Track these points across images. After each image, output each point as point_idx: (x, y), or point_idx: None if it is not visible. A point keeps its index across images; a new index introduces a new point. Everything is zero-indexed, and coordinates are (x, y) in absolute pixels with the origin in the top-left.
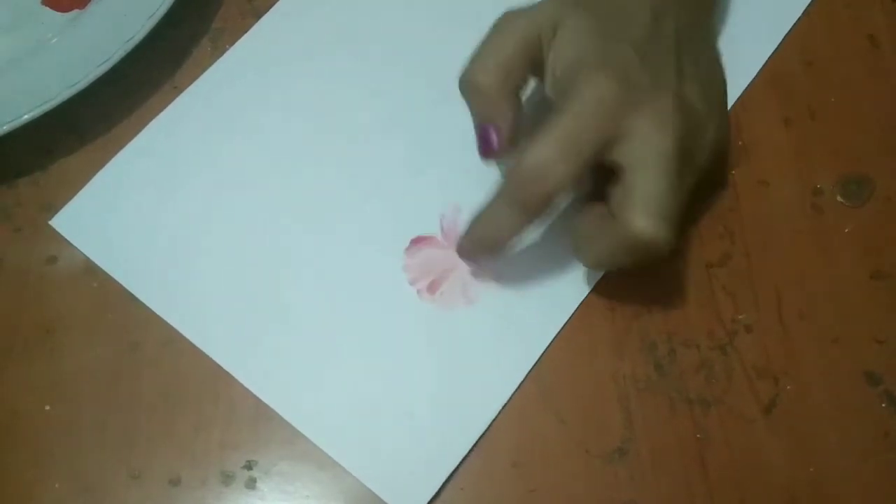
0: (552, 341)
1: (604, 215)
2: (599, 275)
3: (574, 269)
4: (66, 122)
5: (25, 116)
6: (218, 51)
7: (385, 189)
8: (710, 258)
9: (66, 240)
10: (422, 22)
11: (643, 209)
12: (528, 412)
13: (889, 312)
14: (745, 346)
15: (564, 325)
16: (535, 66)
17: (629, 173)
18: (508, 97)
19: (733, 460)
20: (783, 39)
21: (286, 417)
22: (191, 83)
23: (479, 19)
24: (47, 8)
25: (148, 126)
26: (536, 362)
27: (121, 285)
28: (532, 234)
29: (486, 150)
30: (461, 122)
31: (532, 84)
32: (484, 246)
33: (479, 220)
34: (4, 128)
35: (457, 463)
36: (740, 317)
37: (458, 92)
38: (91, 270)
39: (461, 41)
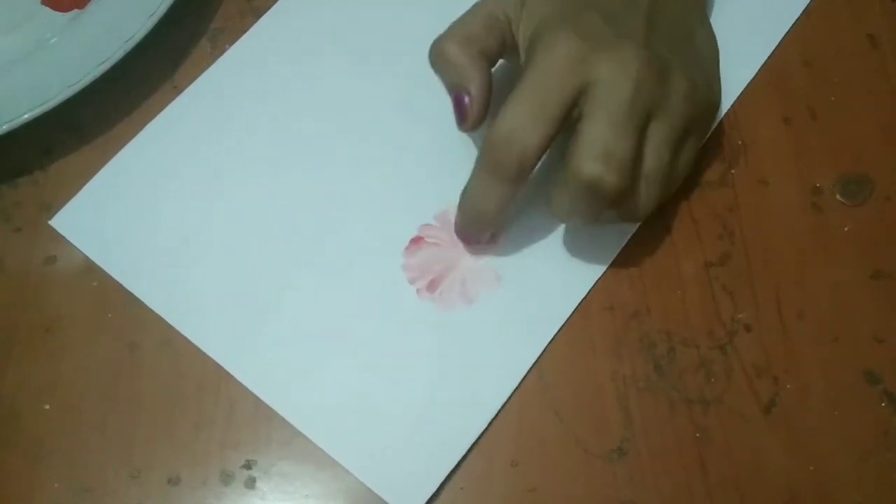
0: (552, 340)
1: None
2: (599, 274)
3: (573, 268)
4: (66, 121)
5: (25, 116)
6: (217, 51)
7: (384, 189)
8: (709, 257)
9: (65, 239)
10: (421, 21)
11: (585, 152)
12: (528, 411)
13: (889, 312)
14: (745, 345)
15: (564, 324)
16: (504, 42)
17: (582, 120)
18: (475, 63)
19: (733, 460)
20: (783, 39)
21: (286, 417)
22: (190, 83)
23: None
24: (47, 8)
25: (147, 126)
26: (536, 361)
27: (120, 285)
28: (532, 234)
29: (461, 117)
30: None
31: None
32: (476, 221)
33: (465, 196)
34: (4, 127)
35: (456, 462)
36: (740, 316)
37: None
38: (90, 270)
39: None
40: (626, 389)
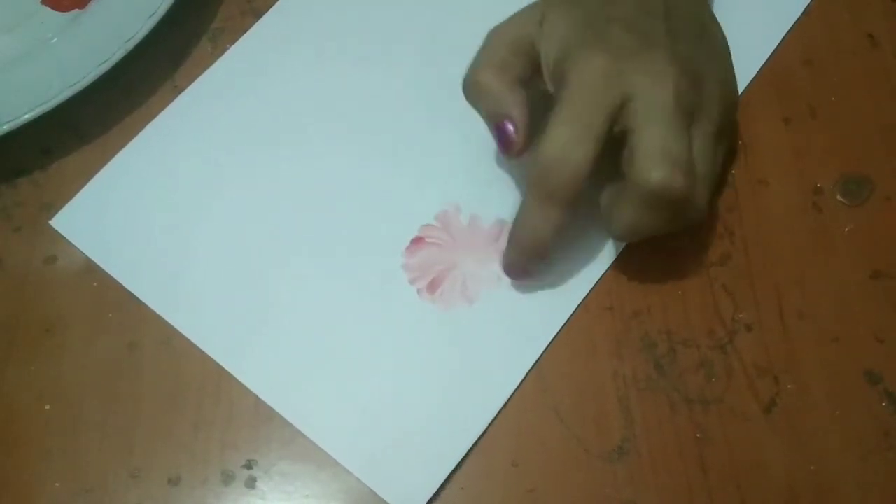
0: (552, 340)
1: (622, 183)
2: (599, 274)
3: (574, 268)
4: (66, 121)
5: (26, 116)
6: (218, 50)
7: (385, 188)
8: (710, 257)
9: (65, 239)
10: (422, 21)
11: (649, 160)
12: (528, 411)
13: (889, 311)
14: (745, 345)
15: (564, 324)
16: (533, 64)
17: (634, 133)
18: (513, 89)
19: (733, 459)
20: (783, 39)
21: (286, 417)
22: (191, 83)
23: (478, 18)
24: (47, 8)
25: (148, 126)
26: (536, 361)
27: (120, 285)
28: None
29: (507, 144)
30: (462, 122)
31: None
32: (529, 252)
33: (516, 227)
34: (4, 127)
35: (457, 462)
36: (740, 316)
37: (459, 91)
38: (91, 270)
39: (461, 41)
40: (627, 389)
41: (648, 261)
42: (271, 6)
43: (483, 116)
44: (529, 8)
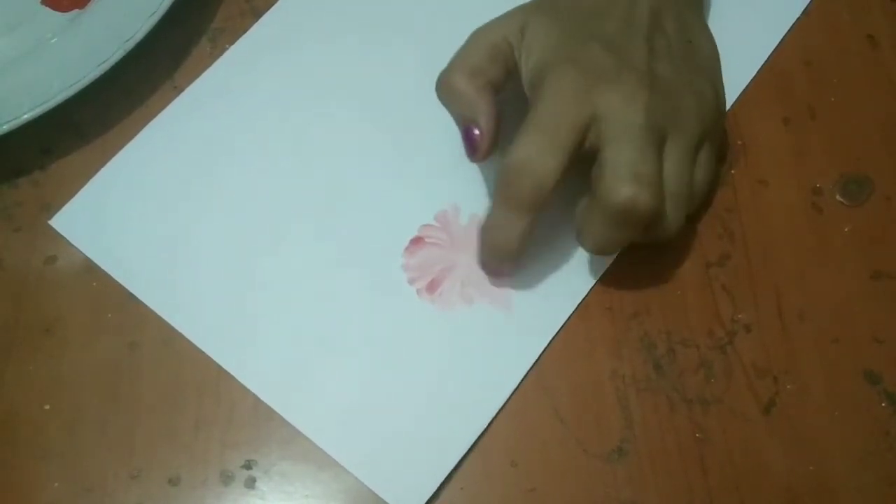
0: (551, 341)
1: (592, 199)
2: (598, 274)
3: (573, 268)
4: (66, 121)
5: (25, 116)
6: (217, 51)
7: (384, 189)
8: (709, 258)
9: (65, 239)
10: (422, 21)
11: (616, 177)
12: (528, 412)
13: (889, 312)
14: (745, 345)
15: (563, 324)
16: (508, 70)
17: (603, 150)
18: (482, 95)
19: (733, 460)
20: (783, 39)
21: (286, 417)
22: (190, 83)
23: (478, 19)
24: (47, 8)
25: (147, 126)
26: (535, 362)
27: (120, 285)
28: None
29: (472, 149)
30: None
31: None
32: (498, 255)
33: (484, 231)
34: (4, 127)
35: (456, 462)
36: (740, 316)
37: None
38: (90, 270)
39: (461, 41)
40: (626, 389)
41: (648, 261)
42: (271, 6)
43: (453, 117)
44: (513, 12)
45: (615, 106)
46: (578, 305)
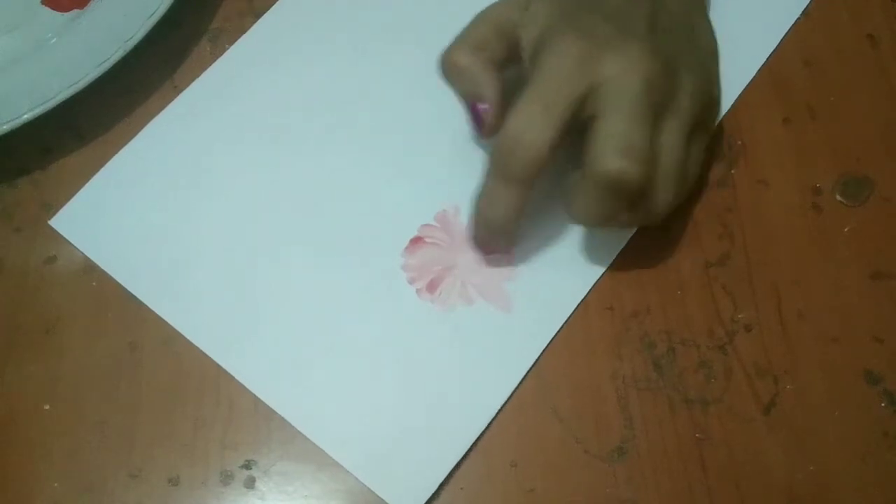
0: (551, 340)
1: (582, 168)
2: (598, 274)
3: (573, 268)
4: (66, 121)
5: (25, 116)
6: (217, 50)
7: (384, 188)
8: (709, 257)
9: (65, 239)
10: (422, 21)
11: (607, 147)
12: (528, 411)
13: (888, 312)
14: (745, 345)
15: (563, 324)
16: (511, 48)
17: (598, 119)
18: (487, 70)
19: (733, 460)
20: (782, 39)
21: (285, 417)
22: (190, 83)
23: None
24: (47, 8)
25: (147, 126)
26: (535, 361)
27: (120, 285)
28: (533, 234)
29: (479, 124)
30: (461, 122)
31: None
32: (490, 227)
33: (479, 204)
34: (4, 127)
35: (456, 462)
36: (740, 316)
37: None
38: (90, 270)
39: None
40: (626, 389)
41: (648, 260)
42: (270, 6)
43: (458, 95)
44: None
45: (615, 73)
46: (578, 305)
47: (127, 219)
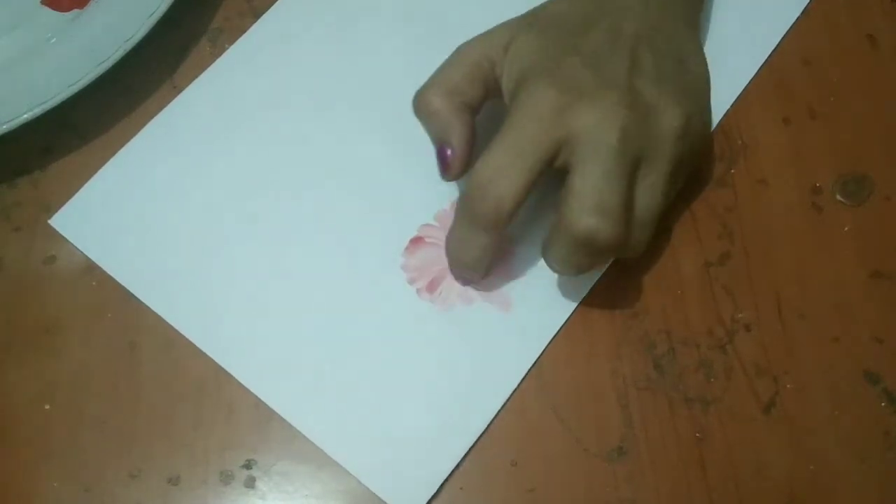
0: (551, 340)
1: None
2: (599, 274)
3: None
4: (66, 121)
5: (25, 116)
6: (217, 50)
7: (383, 189)
8: (709, 257)
9: (65, 239)
10: (422, 21)
11: (578, 206)
12: (528, 411)
13: (889, 311)
14: (745, 345)
15: (564, 323)
16: (488, 89)
17: (572, 173)
18: (458, 115)
19: (732, 459)
20: (782, 39)
21: (285, 417)
22: (190, 83)
23: (479, 19)
24: (47, 8)
25: (147, 126)
26: (535, 361)
27: (120, 285)
28: (532, 234)
29: (444, 168)
30: None
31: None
32: (463, 268)
33: (449, 244)
34: (4, 127)
35: (456, 462)
36: (740, 316)
37: None
38: (90, 270)
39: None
40: (626, 389)
41: (648, 260)
42: (270, 6)
43: (428, 133)
44: (500, 28)
45: (589, 125)
46: (578, 305)
47: (127, 218)
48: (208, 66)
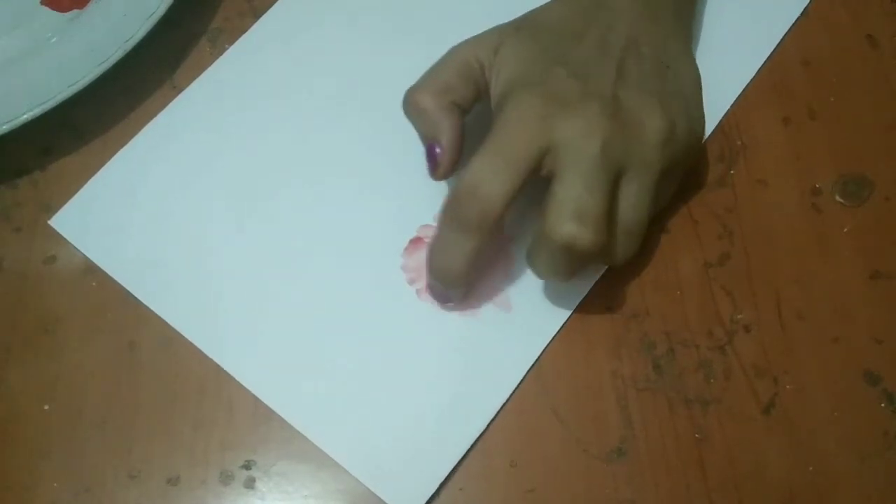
0: (551, 341)
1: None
2: (598, 275)
3: None
4: (66, 121)
5: (25, 116)
6: (217, 51)
7: (383, 190)
8: (708, 258)
9: (65, 239)
10: (422, 20)
11: (558, 213)
12: (527, 412)
13: (888, 312)
14: (744, 345)
15: (563, 324)
16: (478, 90)
17: (554, 181)
18: (447, 115)
19: (732, 460)
20: (782, 39)
21: (285, 417)
22: (190, 83)
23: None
24: (47, 8)
25: (147, 126)
26: (535, 362)
27: (120, 285)
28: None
29: (432, 167)
30: None
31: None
32: (444, 277)
33: (432, 252)
34: (4, 127)
35: (455, 462)
36: (739, 316)
37: None
38: (90, 270)
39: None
40: (626, 390)
41: (647, 261)
42: (270, 6)
43: (417, 132)
44: (491, 32)
45: (572, 135)
46: (578, 305)
47: (126, 219)
48: (208, 66)
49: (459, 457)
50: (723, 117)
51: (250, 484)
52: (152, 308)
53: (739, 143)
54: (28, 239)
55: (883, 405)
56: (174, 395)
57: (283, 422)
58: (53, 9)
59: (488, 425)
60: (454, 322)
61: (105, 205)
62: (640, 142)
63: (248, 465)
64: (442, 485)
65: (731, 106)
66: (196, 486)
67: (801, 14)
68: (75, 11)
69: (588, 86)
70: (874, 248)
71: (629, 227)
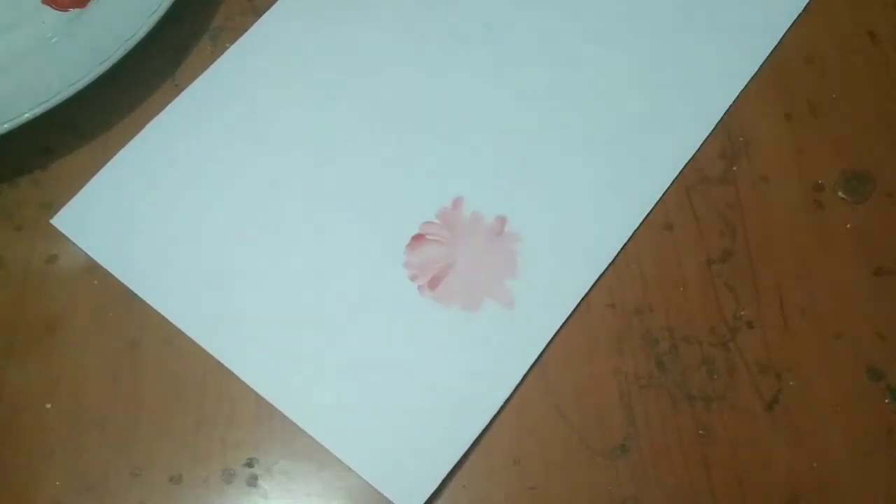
0: (553, 337)
1: None
2: (600, 271)
3: (575, 265)
4: (67, 120)
5: (26, 115)
6: (218, 49)
7: (386, 186)
8: (711, 254)
9: (66, 238)
10: (423, 20)
11: None
12: (530, 409)
13: (891, 308)
14: (747, 342)
15: (566, 321)
16: None
17: None
18: None
19: (735, 456)
20: (784, 35)
21: (287, 414)
22: (191, 82)
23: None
24: (48, 7)
25: (148, 125)
26: (538, 358)
27: (121, 283)
28: (534, 230)
29: None
30: (462, 119)
31: None
32: None
33: None
34: (5, 126)
35: (458, 459)
36: (742, 313)
37: (460, 89)
38: (92, 269)
39: (462, 40)
40: (629, 386)
41: (650, 258)
42: (271, 5)
43: None
44: None
45: None
46: (580, 302)
47: (128, 217)
48: (210, 64)
49: (462, 453)
50: (725, 114)
51: (253, 482)
52: (154, 306)
53: (741, 139)
54: (29, 238)
55: (887, 401)
56: (176, 393)
57: (285, 419)
58: (54, 8)
59: (491, 422)
60: (457, 319)
61: (106, 203)
62: None
63: (250, 463)
64: (444, 482)
65: (733, 102)
66: (198, 484)
67: (803, 10)
68: (76, 10)
69: None
70: (877, 244)
71: None
